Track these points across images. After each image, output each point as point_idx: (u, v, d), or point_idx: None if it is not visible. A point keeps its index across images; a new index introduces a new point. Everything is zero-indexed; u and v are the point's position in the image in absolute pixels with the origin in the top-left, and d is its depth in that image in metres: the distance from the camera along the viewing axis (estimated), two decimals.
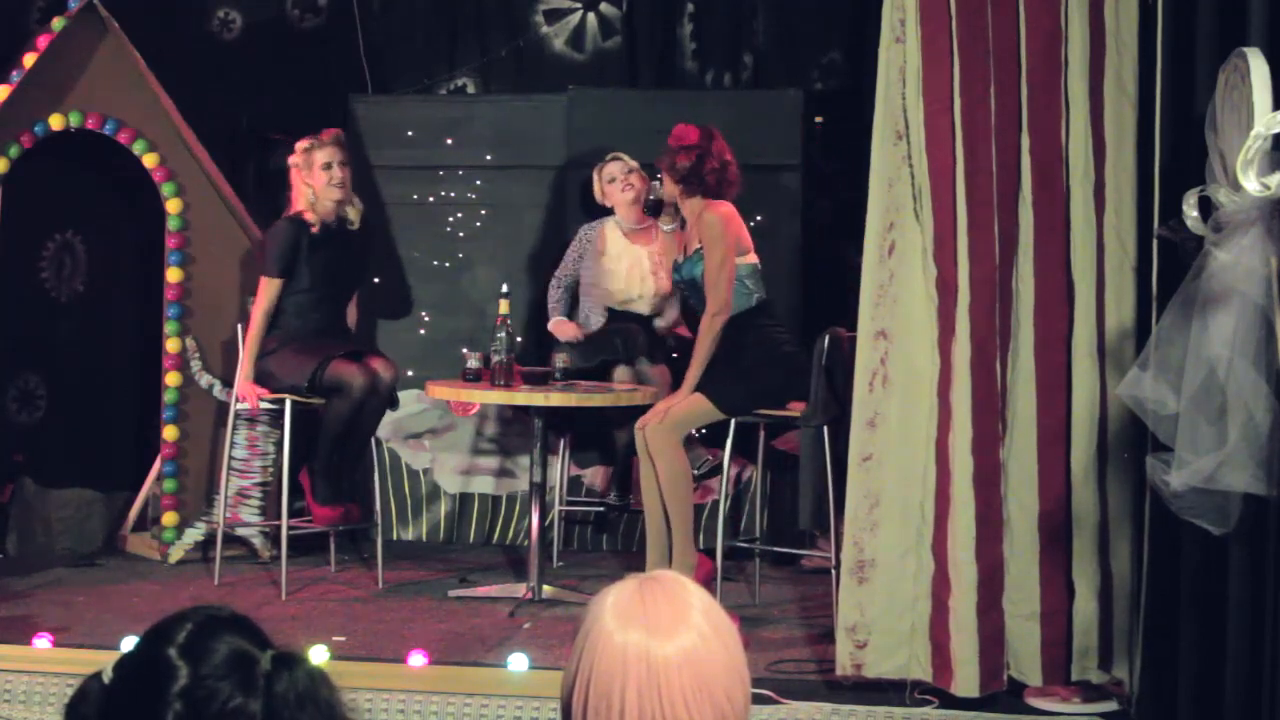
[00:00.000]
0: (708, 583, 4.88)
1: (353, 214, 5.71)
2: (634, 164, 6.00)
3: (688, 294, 5.46)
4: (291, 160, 5.65)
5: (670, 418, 5.17)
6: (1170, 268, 3.68)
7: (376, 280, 6.63)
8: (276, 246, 5.59)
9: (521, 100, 6.72)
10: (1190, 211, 3.25)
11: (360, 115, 6.66)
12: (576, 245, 6.07)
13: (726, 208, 5.23)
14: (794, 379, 5.05)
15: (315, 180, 5.59)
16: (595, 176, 6.09)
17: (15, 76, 5.63)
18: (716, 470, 6.02)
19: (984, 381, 4.05)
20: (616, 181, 5.99)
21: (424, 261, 6.65)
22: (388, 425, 6.15)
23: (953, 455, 4.04)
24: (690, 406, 5.18)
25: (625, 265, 5.97)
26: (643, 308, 6.00)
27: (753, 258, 5.27)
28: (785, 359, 5.16)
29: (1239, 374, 3.06)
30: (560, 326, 5.99)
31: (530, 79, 6.92)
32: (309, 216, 5.60)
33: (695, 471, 5.92)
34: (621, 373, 5.74)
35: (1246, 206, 3.05)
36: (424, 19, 7.00)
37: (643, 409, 5.32)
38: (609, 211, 6.09)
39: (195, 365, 6.00)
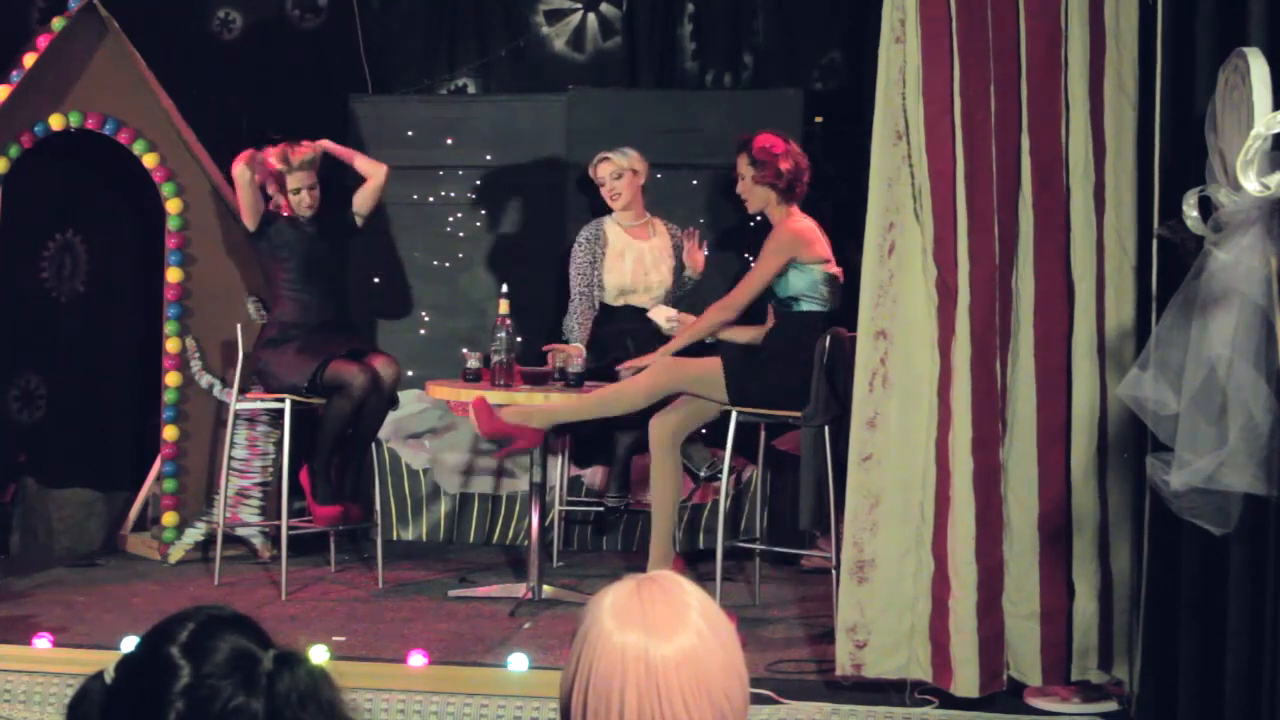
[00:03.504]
0: None
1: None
2: (623, 165, 5.91)
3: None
4: (265, 176, 5.69)
5: (684, 376, 5.15)
6: (1170, 268, 3.68)
7: (377, 280, 6.64)
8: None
9: (521, 100, 6.72)
10: (1190, 211, 3.25)
11: (360, 115, 6.66)
12: (585, 250, 5.95)
13: (804, 223, 5.27)
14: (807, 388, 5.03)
15: (284, 201, 5.71)
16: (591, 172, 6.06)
17: (15, 76, 5.63)
18: (710, 478, 6.03)
19: (984, 381, 4.05)
20: (605, 186, 5.98)
21: (424, 261, 6.65)
22: (388, 425, 6.14)
23: (953, 455, 4.04)
24: (704, 370, 5.16)
25: (630, 261, 5.95)
26: (646, 300, 5.98)
27: (832, 267, 5.27)
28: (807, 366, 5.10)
29: (1239, 374, 3.06)
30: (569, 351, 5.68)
31: (530, 79, 6.93)
32: (285, 212, 5.76)
33: (702, 473, 5.92)
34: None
35: (1246, 206, 3.04)
36: (424, 19, 7.00)
37: (643, 409, 5.32)
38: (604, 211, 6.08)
39: (195, 365, 6.00)
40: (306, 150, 5.68)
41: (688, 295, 6.04)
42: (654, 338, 5.84)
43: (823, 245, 5.27)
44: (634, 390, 5.20)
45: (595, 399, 5.24)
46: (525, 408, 5.21)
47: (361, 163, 5.85)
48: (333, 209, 5.81)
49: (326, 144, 5.79)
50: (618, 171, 5.92)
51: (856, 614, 4.13)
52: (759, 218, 6.21)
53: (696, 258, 6.02)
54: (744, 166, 5.33)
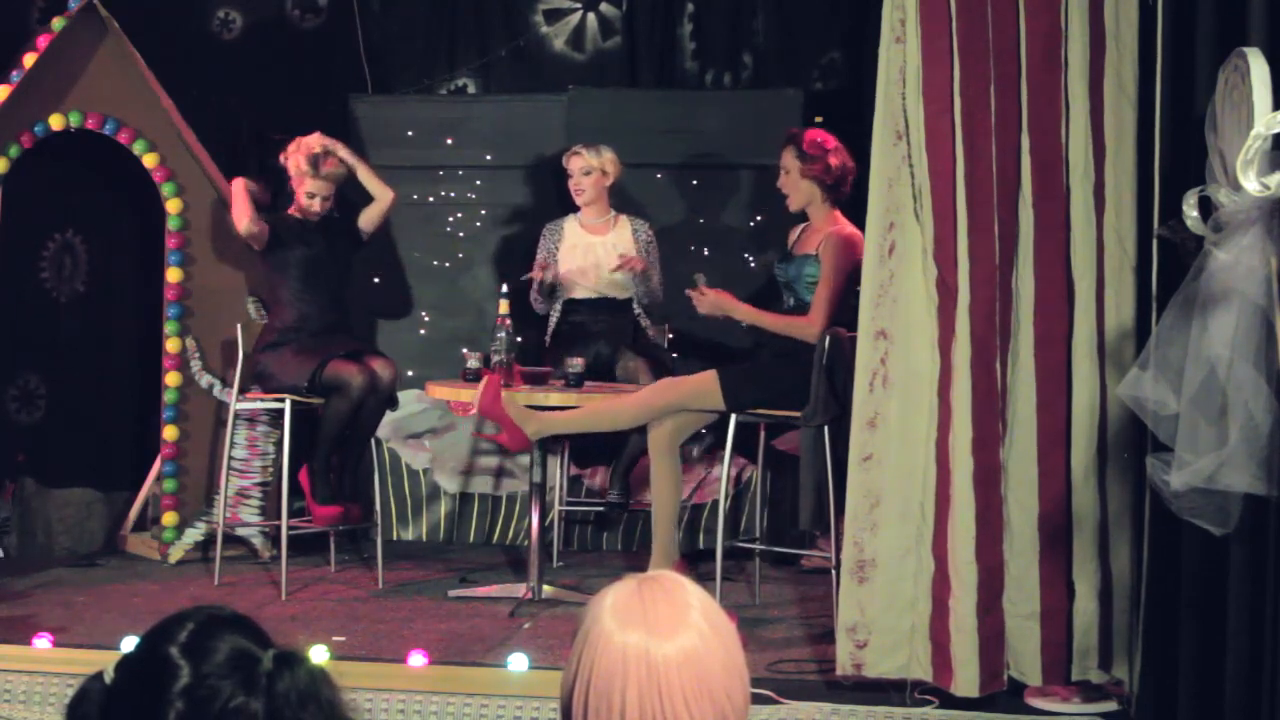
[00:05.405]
0: None
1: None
2: (594, 163, 5.87)
3: (783, 288, 5.42)
4: (290, 165, 5.68)
5: (678, 394, 5.15)
6: (1170, 268, 3.68)
7: (376, 280, 6.64)
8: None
9: (521, 100, 6.72)
10: (1190, 211, 3.25)
11: (360, 115, 6.66)
12: (543, 246, 6.01)
13: (854, 233, 5.18)
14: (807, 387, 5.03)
15: (298, 194, 5.72)
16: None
17: (15, 76, 5.63)
18: (705, 450, 6.03)
19: (984, 381, 4.05)
20: (572, 179, 5.95)
21: (424, 261, 6.66)
22: (388, 425, 6.15)
23: (953, 455, 4.04)
24: (699, 385, 5.16)
25: (578, 255, 5.94)
26: (614, 291, 5.94)
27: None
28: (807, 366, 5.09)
29: (1239, 374, 3.06)
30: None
31: (530, 79, 6.93)
32: (293, 213, 5.77)
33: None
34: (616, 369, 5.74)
35: (1246, 206, 3.04)
36: (424, 19, 7.00)
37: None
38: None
39: (195, 365, 6.00)
40: (335, 166, 5.71)
41: (660, 305, 5.98)
42: (626, 337, 5.84)
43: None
44: (624, 408, 5.19)
45: (589, 414, 5.23)
46: (526, 411, 5.21)
47: (365, 174, 5.81)
48: (339, 218, 5.80)
49: (340, 148, 5.77)
50: (587, 168, 5.89)
51: (857, 614, 4.13)
52: (760, 218, 6.22)
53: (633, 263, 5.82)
54: (790, 160, 5.26)
